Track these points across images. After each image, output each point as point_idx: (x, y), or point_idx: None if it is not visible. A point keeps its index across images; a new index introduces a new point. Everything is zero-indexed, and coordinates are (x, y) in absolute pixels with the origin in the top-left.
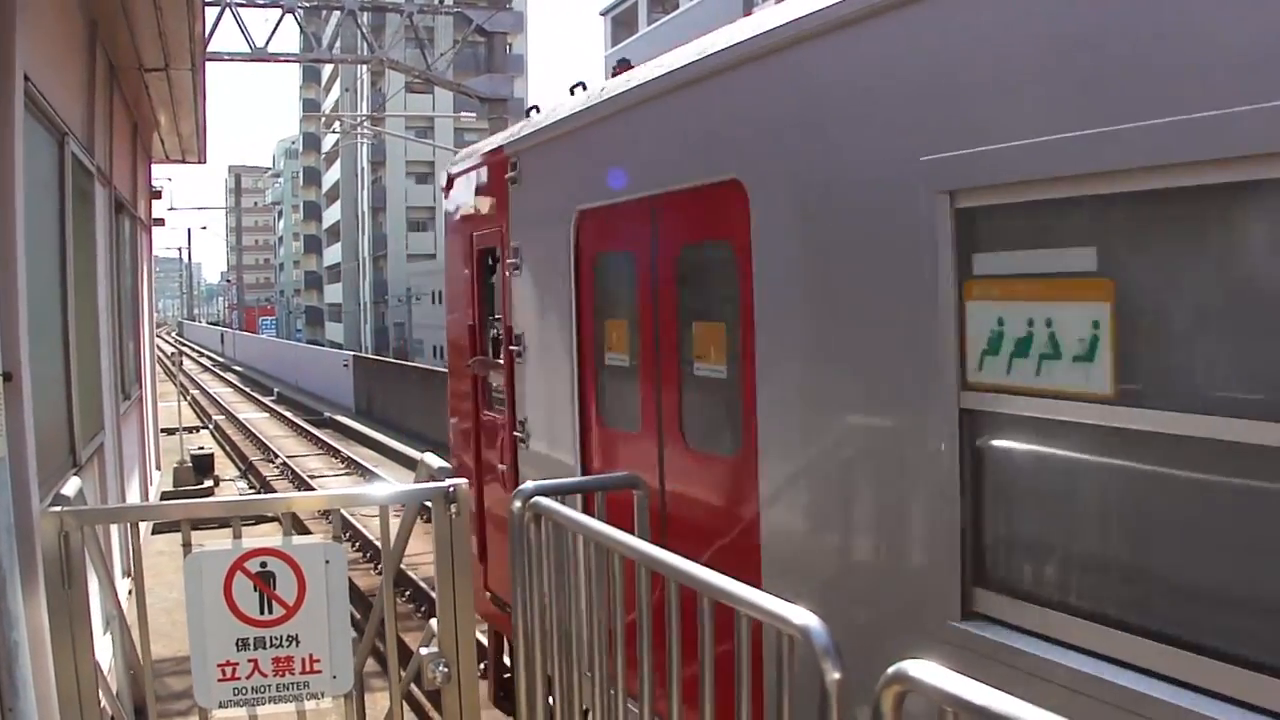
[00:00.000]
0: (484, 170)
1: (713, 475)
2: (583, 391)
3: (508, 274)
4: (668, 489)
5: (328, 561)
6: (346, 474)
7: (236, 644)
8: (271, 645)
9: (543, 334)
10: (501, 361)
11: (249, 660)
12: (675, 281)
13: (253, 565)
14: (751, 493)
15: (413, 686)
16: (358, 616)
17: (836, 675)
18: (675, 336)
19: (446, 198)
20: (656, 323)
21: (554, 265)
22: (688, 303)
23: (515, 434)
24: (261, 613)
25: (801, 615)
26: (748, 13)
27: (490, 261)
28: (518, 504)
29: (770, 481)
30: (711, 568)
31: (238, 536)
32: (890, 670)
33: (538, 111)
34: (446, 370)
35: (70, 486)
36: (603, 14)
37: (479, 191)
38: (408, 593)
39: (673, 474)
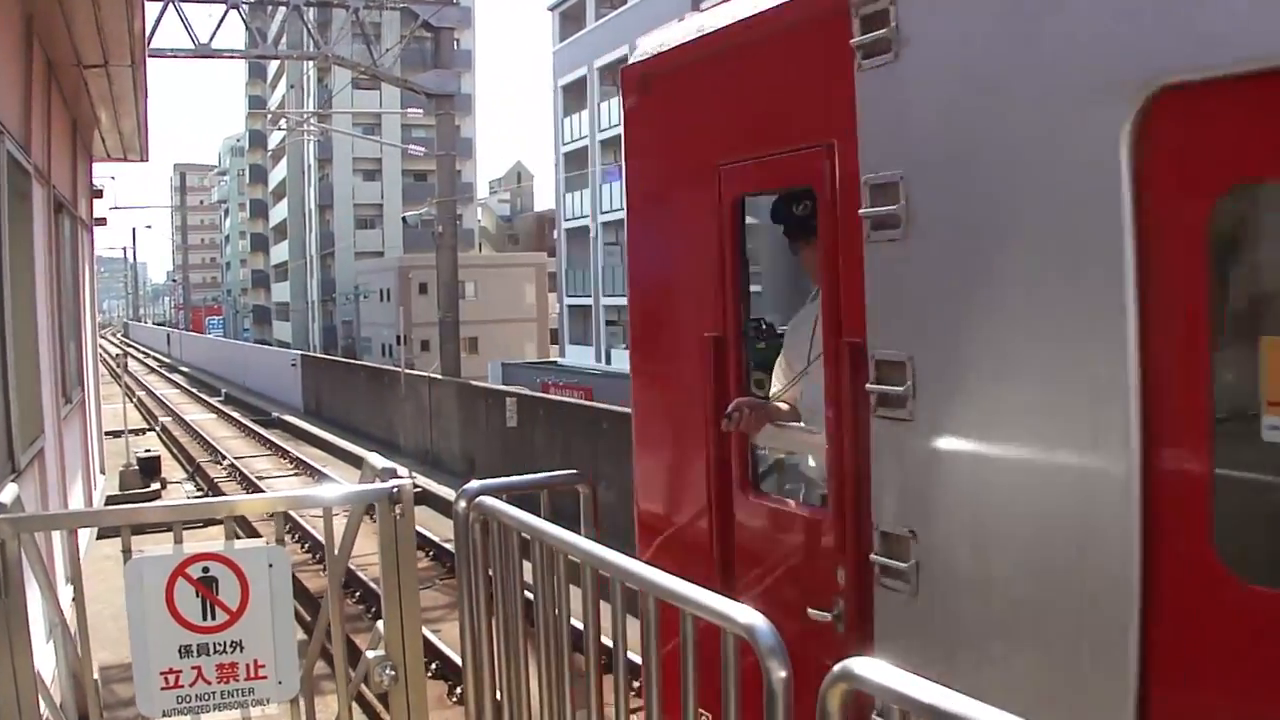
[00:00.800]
0: (755, 43)
1: None
2: (1166, 498)
3: (858, 240)
4: None
5: (271, 565)
6: (295, 474)
7: (179, 651)
8: (215, 652)
9: (986, 368)
10: (805, 411)
11: (192, 667)
12: None
13: (194, 570)
14: None
15: (364, 689)
16: (308, 618)
17: (783, 674)
18: None
19: (631, 110)
20: None
21: (1039, 217)
22: None
23: (876, 559)
24: (204, 619)
25: (747, 614)
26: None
27: (746, 218)
28: (462, 504)
29: None
30: None
31: (179, 541)
32: (836, 668)
33: None
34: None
35: (7, 493)
36: (551, 9)
37: (742, 86)
38: (358, 593)
39: None
